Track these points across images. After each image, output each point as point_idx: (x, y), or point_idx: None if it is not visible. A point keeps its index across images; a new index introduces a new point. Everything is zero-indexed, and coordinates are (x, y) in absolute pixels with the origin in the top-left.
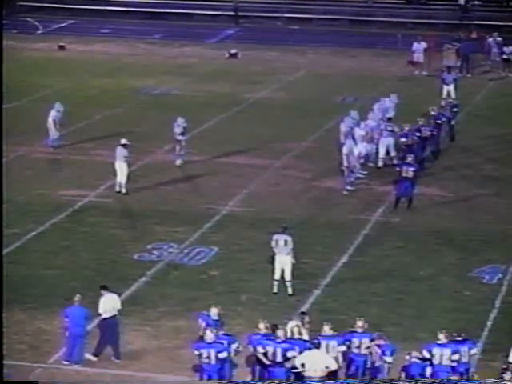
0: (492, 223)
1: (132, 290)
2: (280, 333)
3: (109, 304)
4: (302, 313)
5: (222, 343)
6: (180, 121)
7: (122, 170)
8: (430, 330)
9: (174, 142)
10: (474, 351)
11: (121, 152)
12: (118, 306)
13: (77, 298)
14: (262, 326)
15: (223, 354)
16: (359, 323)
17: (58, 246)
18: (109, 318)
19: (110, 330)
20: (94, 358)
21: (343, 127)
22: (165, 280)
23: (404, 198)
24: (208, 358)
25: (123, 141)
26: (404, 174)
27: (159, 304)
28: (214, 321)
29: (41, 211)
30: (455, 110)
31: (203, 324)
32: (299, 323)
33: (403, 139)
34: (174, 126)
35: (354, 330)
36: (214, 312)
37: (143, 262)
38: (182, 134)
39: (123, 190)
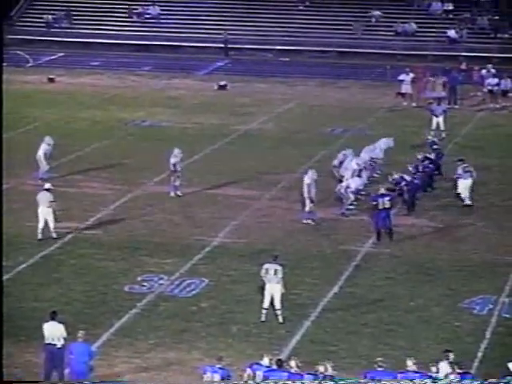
0: (482, 253)
1: (122, 322)
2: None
3: (50, 331)
4: None
5: None
6: (176, 151)
7: (48, 216)
8: (420, 361)
9: (170, 173)
10: None
11: (44, 196)
12: (59, 335)
13: (80, 333)
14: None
15: None
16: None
17: (48, 278)
18: (50, 344)
19: (49, 356)
20: None
21: (336, 162)
22: (155, 312)
23: (383, 230)
24: None
25: (47, 185)
26: (380, 206)
27: (149, 336)
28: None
29: (31, 243)
30: (435, 147)
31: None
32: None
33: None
34: (170, 157)
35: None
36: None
37: (134, 294)
38: (176, 165)
39: (54, 235)
